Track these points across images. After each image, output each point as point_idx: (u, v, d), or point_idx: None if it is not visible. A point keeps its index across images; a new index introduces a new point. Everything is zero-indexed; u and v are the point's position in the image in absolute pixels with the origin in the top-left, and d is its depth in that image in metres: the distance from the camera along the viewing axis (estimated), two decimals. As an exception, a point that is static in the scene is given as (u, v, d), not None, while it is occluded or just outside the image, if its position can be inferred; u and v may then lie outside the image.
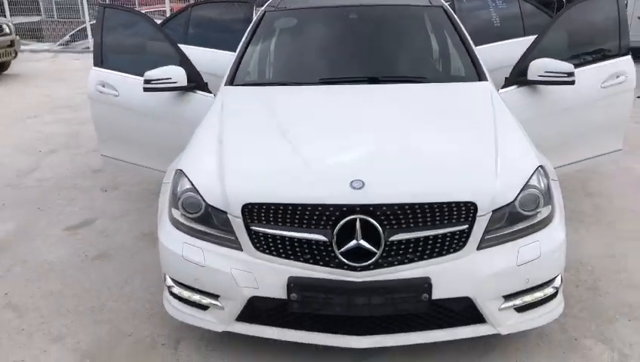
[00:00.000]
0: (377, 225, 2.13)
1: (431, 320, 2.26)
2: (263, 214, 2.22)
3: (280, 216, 2.21)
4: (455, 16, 3.74)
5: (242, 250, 2.27)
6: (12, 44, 10.25)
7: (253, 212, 2.23)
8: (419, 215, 2.16)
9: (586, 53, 3.69)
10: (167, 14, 13.70)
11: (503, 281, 2.22)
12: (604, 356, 2.44)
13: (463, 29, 3.64)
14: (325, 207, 2.16)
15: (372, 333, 2.26)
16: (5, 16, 14.80)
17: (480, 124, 2.70)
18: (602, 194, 4.23)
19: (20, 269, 3.35)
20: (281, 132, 2.64)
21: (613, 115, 3.70)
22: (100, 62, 3.90)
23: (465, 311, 2.24)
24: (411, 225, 2.16)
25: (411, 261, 2.18)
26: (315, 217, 2.17)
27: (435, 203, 2.16)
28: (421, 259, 2.18)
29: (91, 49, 14.34)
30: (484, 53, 4.29)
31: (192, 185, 2.39)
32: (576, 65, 3.48)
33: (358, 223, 2.13)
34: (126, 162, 4.00)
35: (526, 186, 2.29)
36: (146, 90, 3.40)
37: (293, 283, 2.19)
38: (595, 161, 3.82)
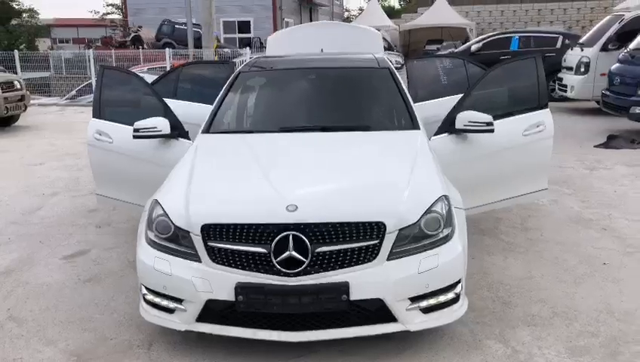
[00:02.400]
0: (306, 239, 2.71)
1: (352, 318, 2.80)
2: (217, 232, 2.81)
3: (230, 233, 2.79)
4: (398, 76, 4.41)
5: (201, 262, 2.84)
6: (22, 98, 11.08)
7: (209, 231, 2.82)
8: (339, 232, 2.74)
9: (510, 105, 4.33)
10: (168, 69, 14.65)
11: (407, 286, 2.78)
12: (499, 352, 2.96)
13: (404, 87, 4.30)
14: (266, 225, 2.75)
15: (304, 330, 2.79)
16: (16, 73, 15.75)
17: (402, 161, 3.32)
18: (537, 229, 4.79)
19: (22, 290, 3.89)
20: (241, 167, 3.29)
21: (535, 159, 4.30)
22: (98, 114, 4.56)
23: (379, 310, 2.78)
24: (333, 239, 2.74)
25: (333, 268, 2.74)
26: (257, 234, 2.76)
27: (352, 222, 2.75)
28: (341, 267, 2.74)
29: (96, 103, 15.07)
30: (433, 106, 4.99)
31: (164, 211, 2.99)
32: (501, 116, 4.13)
33: (290, 238, 2.71)
34: (118, 200, 4.61)
35: (428, 211, 2.88)
36: (135, 137, 4.04)
37: (240, 288, 2.74)
38: (522, 199, 4.40)
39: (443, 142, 4.00)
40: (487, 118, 3.85)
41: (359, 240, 2.75)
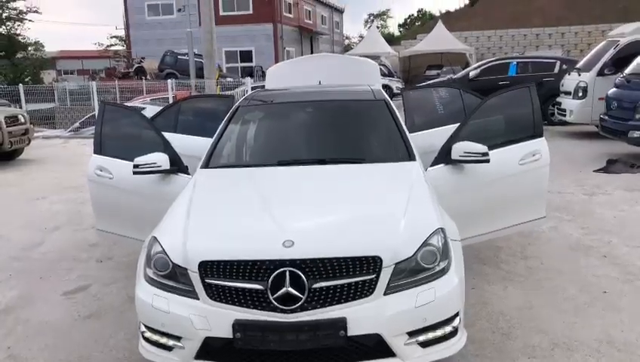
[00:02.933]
0: (302, 275, 2.72)
1: (350, 354, 2.79)
2: (214, 269, 2.82)
3: (227, 270, 2.80)
4: (394, 108, 4.46)
5: (199, 299, 2.85)
6: (26, 132, 11.21)
7: (206, 268, 2.83)
8: (336, 267, 2.75)
9: (506, 135, 4.37)
10: (170, 100, 14.83)
11: (404, 320, 2.77)
12: (499, 386, 2.94)
13: (400, 118, 4.36)
14: (262, 262, 2.77)
15: (301, 367, 2.79)
16: (21, 106, 15.95)
17: (397, 194, 3.34)
18: (536, 257, 4.79)
19: (22, 328, 3.90)
20: (237, 203, 3.32)
21: (532, 187, 4.33)
22: (99, 150, 4.62)
23: (377, 345, 2.77)
24: (330, 275, 2.75)
25: (330, 304, 2.74)
26: (254, 270, 2.77)
27: (349, 257, 2.76)
28: (338, 302, 2.74)
29: (99, 135, 15.16)
30: (429, 135, 5.04)
31: (162, 248, 3.01)
32: (497, 146, 4.17)
33: (287, 274, 2.73)
34: (118, 234, 4.64)
35: (424, 244, 2.89)
36: (135, 173, 4.09)
37: (237, 325, 2.74)
38: (521, 227, 4.41)
39: (440, 172, 4.03)
40: (483, 148, 3.88)
41: (356, 275, 2.76)
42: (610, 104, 8.79)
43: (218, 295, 2.81)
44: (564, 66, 12.54)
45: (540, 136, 4.35)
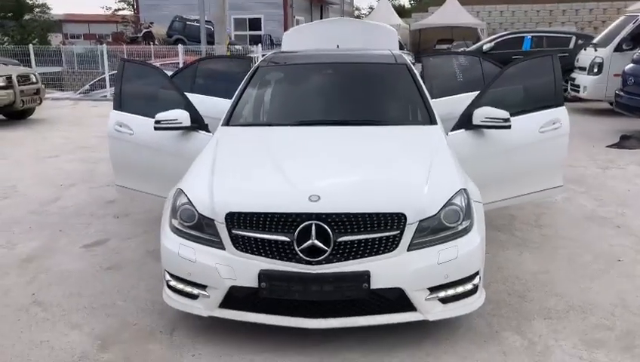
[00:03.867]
0: (328, 229, 2.77)
1: (371, 306, 2.85)
2: (241, 220, 2.87)
3: (254, 221, 2.85)
4: (416, 72, 4.45)
5: (225, 249, 2.90)
6: (38, 92, 11.20)
7: (233, 219, 2.88)
8: (361, 222, 2.79)
9: (527, 103, 4.36)
10: (180, 66, 14.76)
11: (426, 276, 2.83)
12: (516, 343, 3.00)
13: (422, 83, 4.35)
14: (289, 214, 2.81)
15: (324, 317, 2.85)
16: (31, 67, 15.90)
17: (421, 155, 3.37)
18: (551, 226, 4.83)
19: (45, 276, 3.98)
20: (262, 159, 3.36)
21: (551, 156, 4.34)
22: (118, 106, 4.62)
23: (398, 299, 2.84)
24: (355, 229, 2.79)
25: (354, 258, 2.79)
26: (280, 222, 2.82)
27: (373, 213, 2.81)
28: (362, 256, 2.80)
29: (108, 97, 15.32)
30: (448, 103, 5.02)
31: (189, 199, 3.06)
32: (518, 113, 4.16)
33: (313, 227, 2.77)
34: (137, 190, 4.68)
35: (448, 203, 2.93)
36: (156, 128, 4.11)
37: (263, 274, 2.80)
38: (538, 195, 4.43)
39: (460, 137, 4.04)
40: (505, 114, 3.89)
41: (380, 230, 2.81)
42: (626, 80, 8.71)
43: (244, 245, 2.86)
44: (580, 42, 12.40)
45: (561, 105, 4.34)
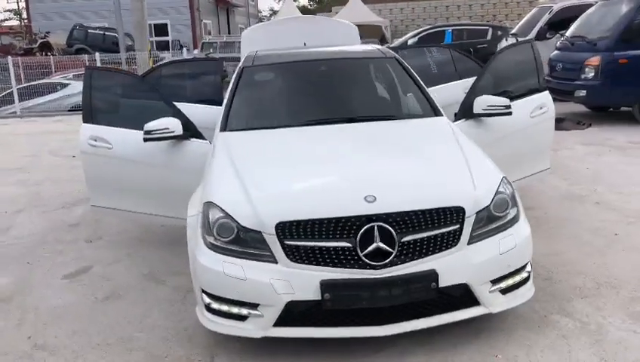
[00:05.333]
0: (391, 229, 2.63)
1: (437, 306, 2.75)
2: (294, 230, 2.66)
3: (309, 230, 2.65)
4: (407, 64, 4.41)
5: (277, 263, 2.68)
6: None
7: (285, 229, 2.66)
8: (421, 219, 2.68)
9: (515, 90, 4.46)
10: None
11: (490, 268, 2.77)
12: (569, 325, 3.02)
13: (416, 74, 4.31)
14: (347, 218, 2.64)
15: (392, 322, 2.70)
16: None
17: (450, 147, 3.31)
18: (537, 208, 4.97)
19: (34, 316, 3.51)
20: (293, 162, 3.14)
21: (541, 139, 4.48)
22: (90, 118, 4.20)
23: (463, 295, 2.76)
24: (416, 227, 2.68)
25: (419, 257, 2.68)
26: (339, 228, 2.64)
27: (433, 209, 2.71)
28: (426, 254, 2.69)
29: (19, 113, 14.07)
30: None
31: (226, 212, 2.79)
32: (510, 100, 4.23)
33: (376, 230, 2.62)
34: (119, 210, 4.28)
35: (497, 192, 2.89)
36: (146, 140, 3.77)
37: (325, 285, 2.61)
38: (530, 179, 4.55)
39: (462, 127, 4.04)
40: (505, 101, 3.95)
41: (441, 226, 2.71)
42: (554, 66, 9.23)
43: (300, 256, 2.66)
44: (499, 33, 13.03)
45: (545, 89, 4.49)
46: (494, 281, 2.80)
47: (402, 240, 2.64)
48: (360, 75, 4.27)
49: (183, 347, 3.05)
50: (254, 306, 2.71)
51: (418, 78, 4.27)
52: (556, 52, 9.45)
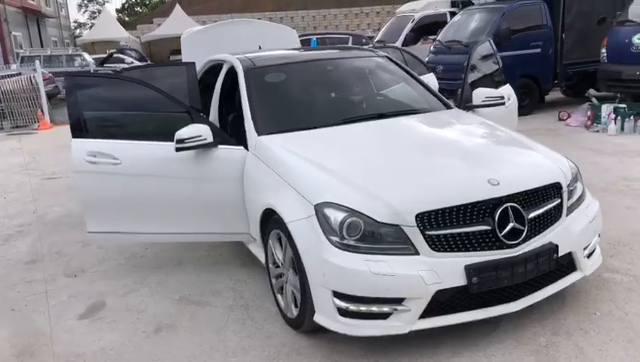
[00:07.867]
0: (520, 208, 2.78)
1: (549, 276, 2.96)
2: (432, 219, 2.67)
3: (447, 217, 2.69)
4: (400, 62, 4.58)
5: (419, 254, 2.66)
6: None
7: (424, 219, 2.66)
8: (537, 197, 2.89)
9: (489, 83, 4.89)
10: None
11: (585, 235, 3.07)
12: (623, 279, 3.43)
13: (414, 72, 4.51)
14: (482, 202, 2.74)
15: (520, 298, 2.84)
16: None
17: (504, 133, 3.59)
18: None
19: (82, 364, 2.95)
20: (382, 157, 3.20)
21: (511, 126, 4.98)
22: (81, 132, 3.66)
23: (568, 263, 3.02)
24: (535, 205, 2.87)
25: (539, 232, 2.87)
26: (474, 212, 2.72)
27: (541, 186, 2.94)
28: (545, 228, 2.90)
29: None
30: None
31: (352, 210, 2.69)
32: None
33: (510, 210, 2.76)
34: (128, 233, 3.77)
35: (571, 168, 3.22)
36: (178, 149, 3.43)
37: (471, 269, 2.67)
38: None
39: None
40: (499, 92, 4.34)
41: (549, 201, 2.95)
42: (435, 69, 10.13)
43: (442, 245, 2.69)
44: (364, 40, 13.86)
45: (507, 82, 5.02)
46: (585, 247, 3.11)
47: (529, 217, 2.82)
48: (367, 74, 4.34)
49: (299, 362, 2.84)
50: (399, 301, 2.65)
51: (416, 75, 4.48)
52: (432, 56, 10.39)
